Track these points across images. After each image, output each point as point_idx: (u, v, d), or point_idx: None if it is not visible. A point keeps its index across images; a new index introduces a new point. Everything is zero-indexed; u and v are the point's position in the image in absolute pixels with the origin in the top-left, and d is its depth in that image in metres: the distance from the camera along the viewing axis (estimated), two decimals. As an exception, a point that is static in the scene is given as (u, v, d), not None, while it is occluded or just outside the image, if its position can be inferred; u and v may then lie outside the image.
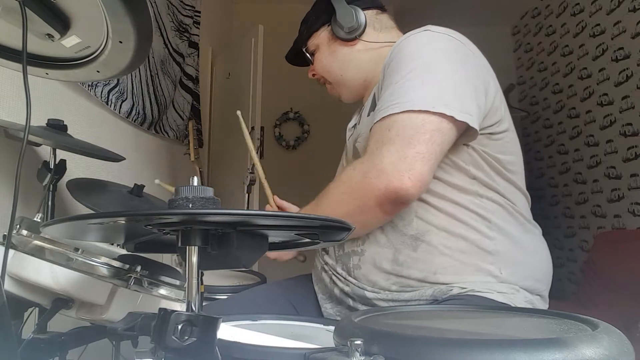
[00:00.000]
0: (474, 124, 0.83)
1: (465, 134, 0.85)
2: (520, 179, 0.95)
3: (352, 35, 1.06)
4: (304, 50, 1.14)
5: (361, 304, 0.93)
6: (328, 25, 1.09)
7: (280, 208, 1.18)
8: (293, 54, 1.20)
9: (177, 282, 0.89)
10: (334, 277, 0.98)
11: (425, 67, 0.86)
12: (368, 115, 0.98)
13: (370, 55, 1.07)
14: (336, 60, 1.10)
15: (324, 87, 1.19)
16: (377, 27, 1.09)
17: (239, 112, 1.28)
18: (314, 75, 1.18)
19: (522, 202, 0.95)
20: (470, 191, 0.89)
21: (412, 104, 0.82)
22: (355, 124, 1.08)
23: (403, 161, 0.80)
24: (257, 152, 2.49)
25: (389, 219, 0.89)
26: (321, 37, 1.11)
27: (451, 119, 0.81)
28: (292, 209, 1.18)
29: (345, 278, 0.95)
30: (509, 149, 0.94)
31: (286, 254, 1.14)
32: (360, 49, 1.08)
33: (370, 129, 0.88)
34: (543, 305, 0.92)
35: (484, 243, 0.87)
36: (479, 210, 0.89)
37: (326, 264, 1.01)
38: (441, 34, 0.91)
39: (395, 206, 0.84)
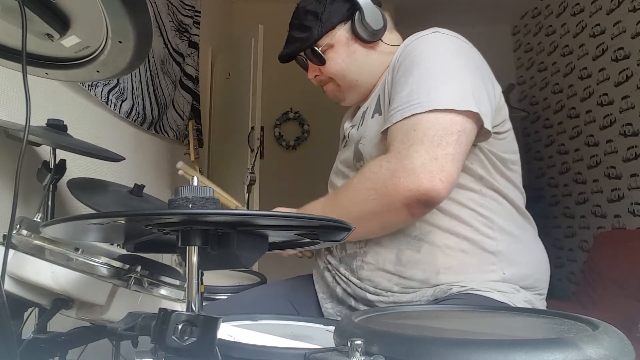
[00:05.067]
0: (489, 125, 0.84)
1: (477, 134, 0.86)
2: (518, 177, 0.96)
3: (376, 38, 1.01)
4: (316, 49, 1.02)
5: (362, 305, 0.93)
6: (345, 23, 1.01)
7: None
8: (291, 52, 1.07)
9: (177, 282, 0.89)
10: (337, 277, 0.98)
11: (442, 68, 0.86)
12: (372, 117, 0.97)
13: (383, 58, 1.02)
14: (355, 62, 1.02)
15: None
16: (389, 27, 1.04)
17: (180, 164, 1.22)
18: (316, 76, 1.08)
19: (520, 200, 0.96)
20: (474, 190, 0.90)
21: (438, 103, 0.81)
22: (355, 125, 1.06)
23: (434, 162, 0.79)
24: (257, 152, 2.49)
25: (413, 221, 0.88)
26: (338, 36, 1.01)
27: (474, 119, 0.82)
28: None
29: (347, 278, 0.95)
30: (511, 147, 0.95)
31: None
32: (379, 50, 1.03)
33: (388, 129, 0.87)
34: (542, 303, 0.93)
35: (486, 243, 0.87)
36: (481, 210, 0.89)
37: (329, 263, 1.01)
38: (450, 36, 0.91)
39: (424, 208, 0.82)
